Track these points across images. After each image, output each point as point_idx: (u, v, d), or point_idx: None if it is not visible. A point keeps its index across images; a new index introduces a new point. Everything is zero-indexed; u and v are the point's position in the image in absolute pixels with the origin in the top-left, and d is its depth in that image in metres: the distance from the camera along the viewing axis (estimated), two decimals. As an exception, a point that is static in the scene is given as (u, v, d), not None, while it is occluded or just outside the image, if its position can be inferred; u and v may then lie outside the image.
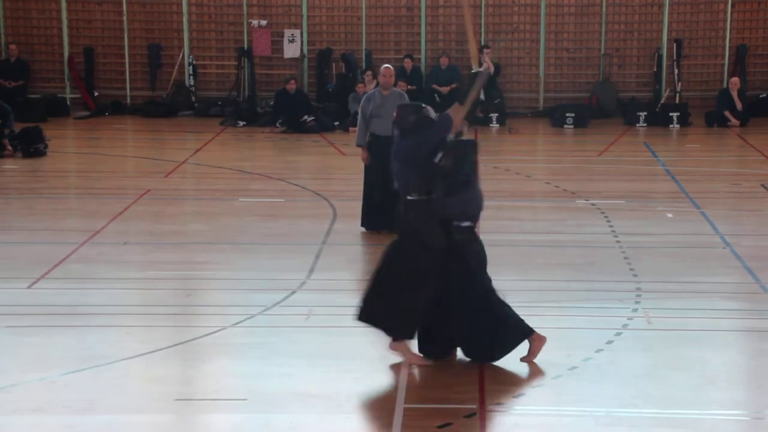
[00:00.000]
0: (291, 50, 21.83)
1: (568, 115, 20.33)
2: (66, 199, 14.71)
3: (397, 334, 8.29)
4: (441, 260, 8.10)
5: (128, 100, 21.99)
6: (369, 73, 20.42)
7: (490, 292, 8.29)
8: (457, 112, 8.29)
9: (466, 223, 8.22)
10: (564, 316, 9.45)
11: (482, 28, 21.70)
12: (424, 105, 8.59)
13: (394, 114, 8.60)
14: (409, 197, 8.12)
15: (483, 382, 7.95)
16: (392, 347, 8.33)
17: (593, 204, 13.84)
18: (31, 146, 17.37)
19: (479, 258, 8.32)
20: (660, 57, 21.21)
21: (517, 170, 16.32)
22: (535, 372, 8.14)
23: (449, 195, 8.08)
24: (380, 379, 8.08)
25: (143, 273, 10.88)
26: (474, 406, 7.51)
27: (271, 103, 20.94)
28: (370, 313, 8.29)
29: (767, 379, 8.23)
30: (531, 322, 9.28)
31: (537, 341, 8.32)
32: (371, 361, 8.51)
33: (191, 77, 22.11)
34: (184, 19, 21.99)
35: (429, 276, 8.08)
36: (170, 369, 8.25)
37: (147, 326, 9.21)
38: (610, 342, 8.77)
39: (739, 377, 8.24)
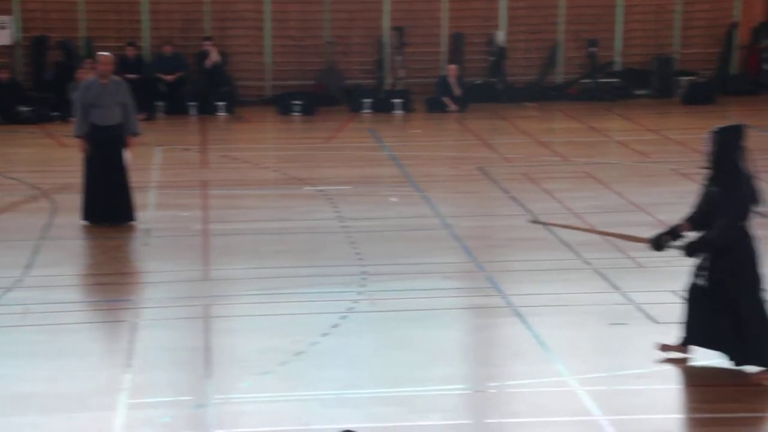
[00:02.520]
0: (2, 37, 20.77)
1: (295, 102, 20.45)
2: None
3: None
4: None
5: None
6: (89, 60, 19.70)
7: None
8: None
9: None
10: (291, 302, 9.51)
11: (208, 17, 21.44)
12: None
13: None
14: None
15: (212, 374, 7.88)
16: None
17: (321, 191, 14.00)
18: None
19: None
20: (382, 45, 21.72)
21: (246, 158, 16.28)
22: (261, 359, 8.14)
23: None
24: (102, 376, 7.84)
25: None
26: (199, 398, 7.42)
27: (-17, 93, 19.85)
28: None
29: (485, 354, 8.61)
30: (258, 309, 9.33)
31: None
32: (93, 358, 8.26)
33: None
34: None
35: None
36: None
37: None
38: (336, 326, 8.90)
39: (460, 353, 8.57)
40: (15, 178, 14.30)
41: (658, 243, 7.89)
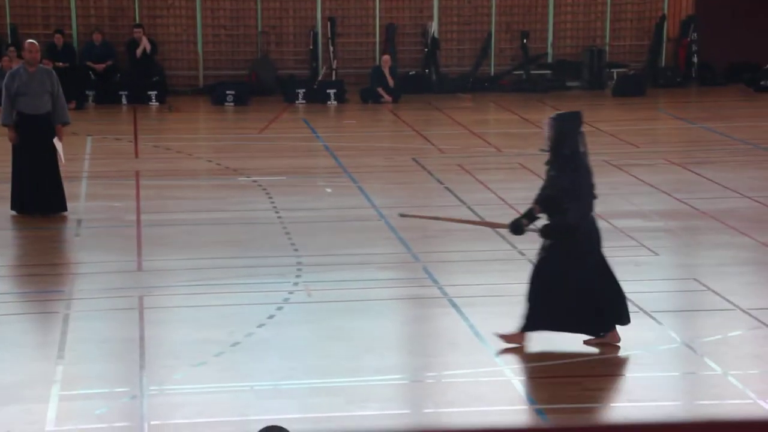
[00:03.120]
0: (-73, 23, 20.30)
1: (228, 92, 20.30)
2: None
3: None
4: None
5: None
6: (12, 49, 19.33)
7: None
8: None
9: None
10: (227, 293, 9.44)
11: (137, 4, 21.17)
12: None
13: None
14: None
15: (146, 365, 7.80)
16: None
17: (255, 181, 13.92)
18: None
19: None
20: (315, 35, 21.65)
21: (179, 149, 16.12)
22: (197, 351, 8.07)
23: None
24: (33, 368, 7.72)
25: None
26: (133, 390, 7.34)
27: None
28: None
29: (421, 345, 8.63)
30: (193, 300, 9.25)
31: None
32: (24, 350, 8.13)
33: None
34: None
35: None
36: None
37: None
38: (271, 316, 8.87)
39: (396, 344, 8.58)
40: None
41: (518, 227, 8.16)
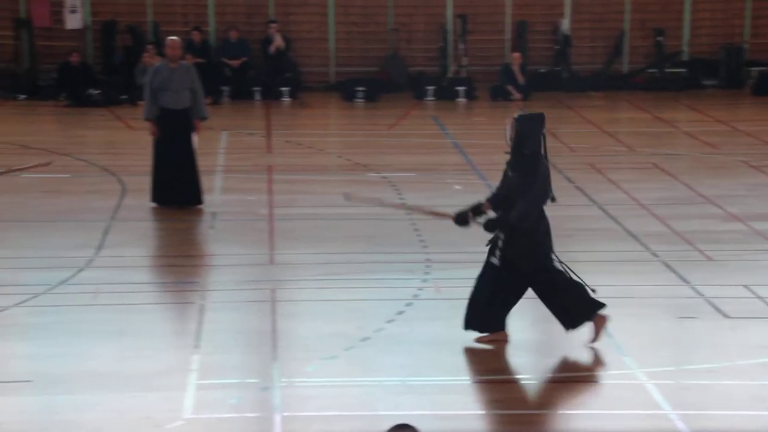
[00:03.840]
0: (73, 21, 21.03)
1: (358, 89, 20.48)
2: None
3: None
4: None
5: None
6: (151, 46, 19.89)
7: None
8: None
9: None
10: (356, 288, 9.53)
11: (272, 1, 21.52)
12: None
13: None
14: None
15: (278, 356, 7.94)
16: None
17: (384, 177, 14.02)
18: None
19: None
20: (446, 32, 21.66)
21: (310, 144, 16.35)
22: (327, 344, 8.18)
23: None
24: (171, 357, 7.94)
25: None
26: (265, 381, 7.48)
27: (54, 75, 20.16)
28: None
29: (549, 345, 8.54)
30: (323, 294, 9.38)
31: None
32: (162, 339, 8.36)
33: (-36, 48, 21.01)
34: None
35: None
36: (-52, 354, 7.85)
37: None
38: (400, 312, 8.92)
39: (524, 343, 8.50)
40: (85, 160, 14.49)
41: (463, 219, 8.26)
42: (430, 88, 20.67)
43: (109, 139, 16.80)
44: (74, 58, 19.76)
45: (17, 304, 8.88)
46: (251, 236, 11.29)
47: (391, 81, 21.36)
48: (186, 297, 9.50)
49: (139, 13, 21.21)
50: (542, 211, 8.04)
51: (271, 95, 20.45)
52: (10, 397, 7.16)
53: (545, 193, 7.97)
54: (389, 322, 8.69)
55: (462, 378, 7.61)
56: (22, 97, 19.82)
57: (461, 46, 21.57)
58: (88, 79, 19.70)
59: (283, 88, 20.55)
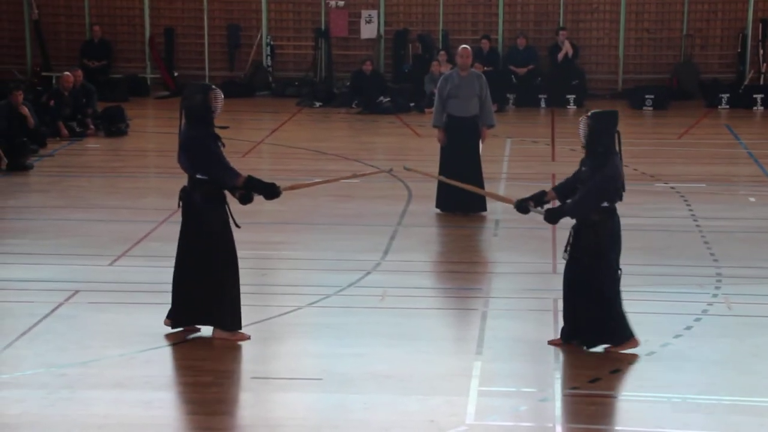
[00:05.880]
0: (368, 31, 21.80)
1: (647, 96, 20.02)
2: (146, 178, 14.90)
3: None
4: None
5: (207, 80, 22.16)
6: (443, 53, 20.31)
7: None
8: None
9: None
10: (642, 300, 9.31)
11: (560, 8, 21.43)
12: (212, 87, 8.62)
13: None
14: None
15: (560, 367, 7.88)
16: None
17: (673, 187, 13.62)
18: (113, 125, 17.68)
19: None
20: (744, 38, 20.76)
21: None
22: (613, 358, 8.04)
23: None
24: (454, 362, 8.05)
25: (220, 252, 10.96)
26: (546, 391, 7.44)
27: (348, 83, 20.97)
28: None
29: None
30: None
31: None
32: (445, 344, 8.49)
33: (269, 58, 22.22)
34: (263, -1, 22.12)
35: None
36: (247, 347, 8.32)
37: (223, 305, 9.27)
38: (689, 327, 8.64)
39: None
40: (374, 166, 14.96)
41: (524, 207, 8.28)
42: (725, 95, 19.88)
43: (397, 146, 17.27)
44: (367, 67, 20.47)
45: (309, 304, 9.28)
46: (534, 244, 11.27)
47: (681, 88, 20.72)
48: (468, 303, 9.61)
49: (431, 23, 21.69)
50: (612, 211, 8.01)
51: (557, 103, 20.34)
52: (302, 393, 7.48)
53: (609, 190, 7.96)
54: (676, 337, 8.43)
55: (754, 399, 7.27)
56: (318, 104, 20.75)
57: (761, 51, 20.60)
58: (379, 86, 20.34)
59: (569, 96, 20.40)
